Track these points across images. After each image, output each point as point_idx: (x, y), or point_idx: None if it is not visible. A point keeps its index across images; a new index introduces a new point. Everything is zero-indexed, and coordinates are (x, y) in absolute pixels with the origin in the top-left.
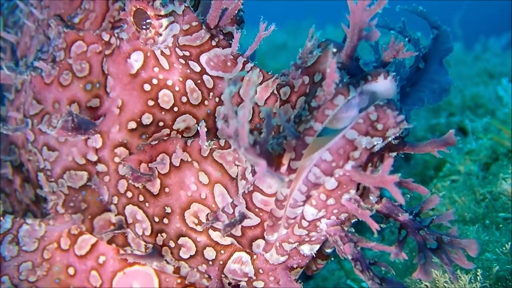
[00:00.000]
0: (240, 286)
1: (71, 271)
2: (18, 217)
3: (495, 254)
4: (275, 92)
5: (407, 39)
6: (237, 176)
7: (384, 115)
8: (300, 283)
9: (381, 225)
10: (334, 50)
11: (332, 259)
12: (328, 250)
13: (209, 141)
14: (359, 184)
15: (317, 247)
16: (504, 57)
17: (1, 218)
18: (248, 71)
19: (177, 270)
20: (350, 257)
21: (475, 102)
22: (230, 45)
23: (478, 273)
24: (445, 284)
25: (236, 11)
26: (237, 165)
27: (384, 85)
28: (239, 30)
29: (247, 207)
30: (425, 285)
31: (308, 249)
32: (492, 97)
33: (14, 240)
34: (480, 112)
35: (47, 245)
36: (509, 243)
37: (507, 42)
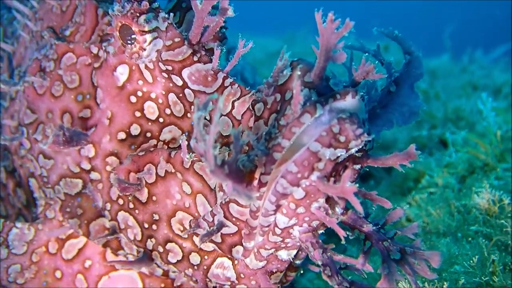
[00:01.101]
0: None
1: (58, 274)
2: (10, 220)
3: (463, 267)
4: (251, 107)
5: (379, 62)
6: (215, 187)
7: (345, 128)
8: (279, 287)
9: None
10: (299, 72)
11: (301, 272)
12: (298, 262)
13: (191, 153)
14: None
15: (294, 252)
16: (489, 69)
17: None
18: (227, 86)
19: (166, 273)
20: (320, 263)
21: (457, 114)
22: (211, 61)
23: (445, 285)
24: None
25: (217, 29)
26: None
27: (352, 103)
28: (220, 47)
29: (225, 216)
30: None
31: (285, 254)
32: (473, 109)
33: (3, 243)
34: (461, 124)
35: (36, 249)
36: (477, 257)
37: (500, 54)
